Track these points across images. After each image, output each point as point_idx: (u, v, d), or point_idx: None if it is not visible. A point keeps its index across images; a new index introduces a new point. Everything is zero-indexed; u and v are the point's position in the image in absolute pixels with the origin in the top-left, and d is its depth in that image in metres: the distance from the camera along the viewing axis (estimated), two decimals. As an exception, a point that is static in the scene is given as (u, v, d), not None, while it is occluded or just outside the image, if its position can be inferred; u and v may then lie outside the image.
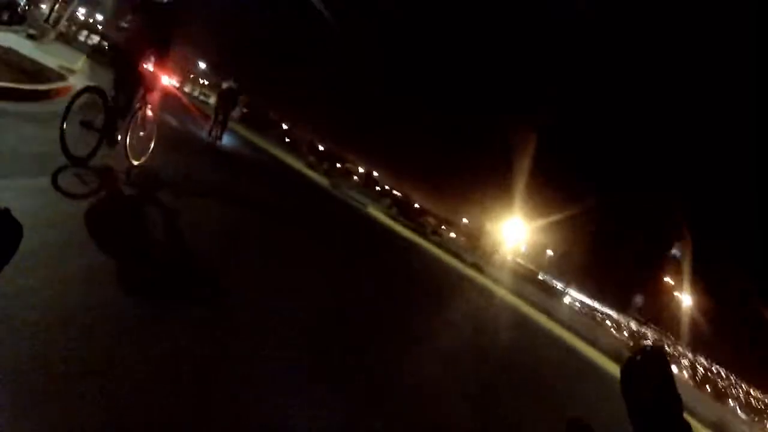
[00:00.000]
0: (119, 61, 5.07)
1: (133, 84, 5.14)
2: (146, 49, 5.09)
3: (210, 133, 13.96)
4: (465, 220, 71.43)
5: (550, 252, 60.57)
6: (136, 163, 5.46)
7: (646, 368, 0.87)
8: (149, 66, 5.24)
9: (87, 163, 4.61)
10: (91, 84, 4.91)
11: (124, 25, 5.07)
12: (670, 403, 0.85)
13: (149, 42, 5.09)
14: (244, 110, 37.93)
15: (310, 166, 30.65)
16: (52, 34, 15.52)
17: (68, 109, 4.37)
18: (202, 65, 59.58)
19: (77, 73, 9.85)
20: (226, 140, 14.68)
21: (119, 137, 5.17)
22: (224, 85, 14.24)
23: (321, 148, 63.61)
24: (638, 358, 0.88)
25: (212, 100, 30.83)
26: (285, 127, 64.53)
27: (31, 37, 12.59)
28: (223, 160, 11.80)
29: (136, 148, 5.46)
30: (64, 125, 4.30)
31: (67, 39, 18.84)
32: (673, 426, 0.83)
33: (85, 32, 27.57)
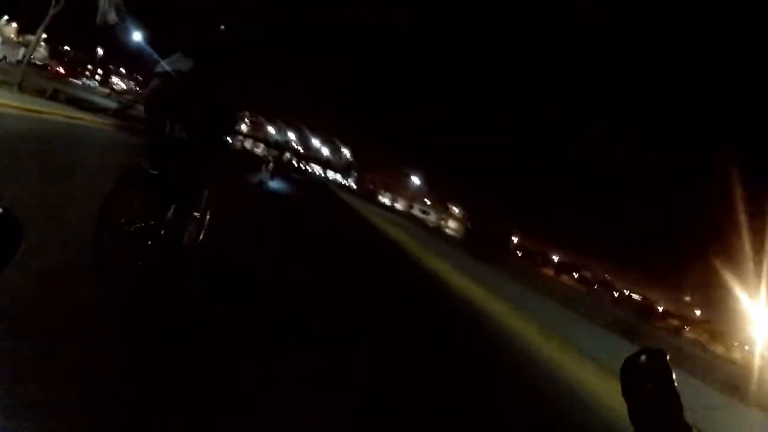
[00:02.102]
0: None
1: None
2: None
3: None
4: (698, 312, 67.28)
5: None
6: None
7: (647, 369, 0.88)
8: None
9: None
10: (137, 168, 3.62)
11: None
12: (671, 404, 0.85)
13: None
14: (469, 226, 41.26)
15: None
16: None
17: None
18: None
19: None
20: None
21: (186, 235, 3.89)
22: None
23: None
24: (638, 358, 0.88)
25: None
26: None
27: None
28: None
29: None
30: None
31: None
32: (673, 426, 0.84)
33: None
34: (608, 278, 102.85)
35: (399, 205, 71.21)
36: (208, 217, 4.28)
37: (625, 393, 0.88)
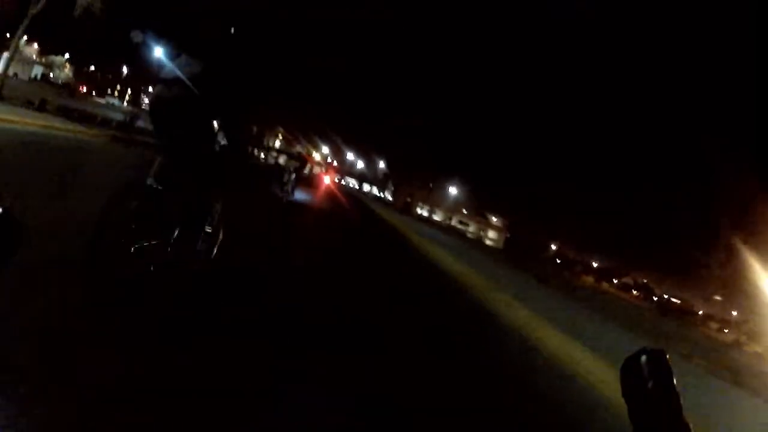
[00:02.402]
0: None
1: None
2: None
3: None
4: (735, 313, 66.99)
5: None
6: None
7: (647, 369, 0.88)
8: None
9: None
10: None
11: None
12: (671, 404, 0.86)
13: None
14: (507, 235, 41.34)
15: None
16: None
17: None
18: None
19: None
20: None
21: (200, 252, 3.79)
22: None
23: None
24: (638, 358, 0.89)
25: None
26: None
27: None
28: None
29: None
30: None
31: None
32: (673, 426, 0.84)
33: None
34: (645, 282, 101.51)
35: (437, 217, 69.71)
36: (221, 233, 4.04)
37: (625, 393, 0.89)
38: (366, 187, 76.49)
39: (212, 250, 4.00)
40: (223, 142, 3.68)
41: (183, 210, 3.46)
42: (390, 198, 72.41)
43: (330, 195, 31.61)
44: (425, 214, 68.07)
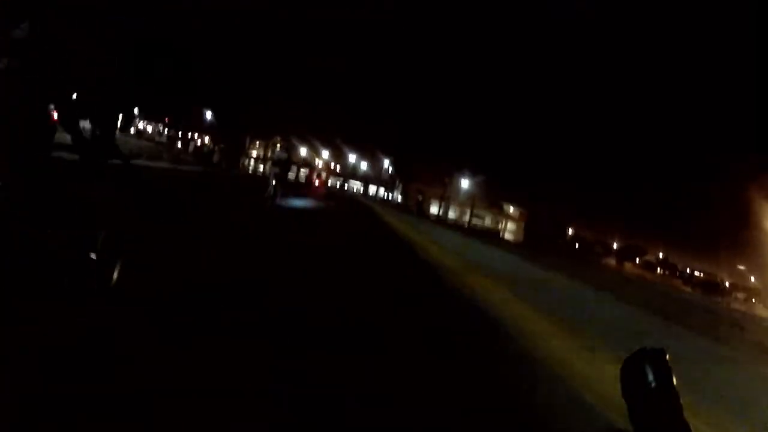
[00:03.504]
0: None
1: None
2: None
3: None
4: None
5: None
6: None
7: (646, 368, 0.86)
8: None
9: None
10: None
11: None
12: (670, 404, 0.84)
13: None
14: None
15: None
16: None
17: None
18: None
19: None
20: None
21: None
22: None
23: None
24: (638, 358, 0.88)
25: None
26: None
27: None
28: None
29: None
30: None
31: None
32: (673, 426, 0.83)
33: None
34: (665, 258, 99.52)
35: (452, 214, 65.72)
36: (119, 259, 3.72)
37: (625, 393, 0.88)
38: (372, 189, 72.47)
39: (108, 280, 3.62)
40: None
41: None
42: (399, 198, 68.45)
43: (321, 199, 29.14)
44: (438, 212, 64.15)
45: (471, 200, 60.21)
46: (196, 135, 58.92)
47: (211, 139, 54.74)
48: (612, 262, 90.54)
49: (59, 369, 2.58)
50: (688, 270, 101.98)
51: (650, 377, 0.85)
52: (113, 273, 3.67)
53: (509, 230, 69.75)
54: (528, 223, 69.57)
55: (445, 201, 60.80)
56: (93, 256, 3.51)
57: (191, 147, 51.38)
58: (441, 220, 54.98)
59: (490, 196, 65.18)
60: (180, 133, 57.14)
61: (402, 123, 56.10)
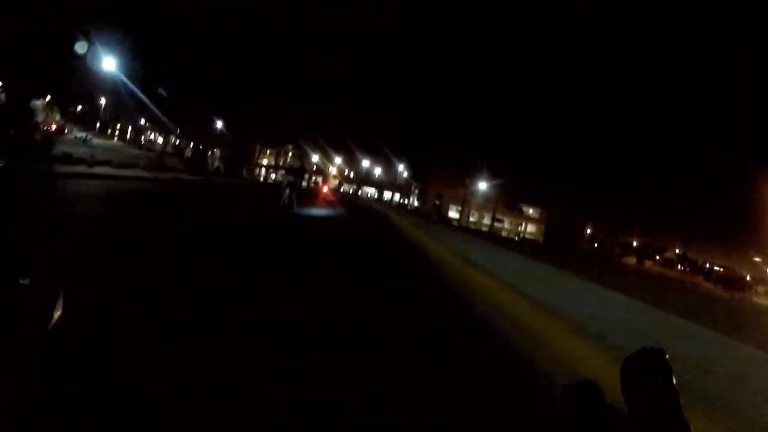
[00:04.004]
0: None
1: None
2: None
3: None
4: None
5: None
6: None
7: (646, 368, 0.87)
8: None
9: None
10: None
11: None
12: (670, 403, 0.84)
13: None
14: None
15: None
16: None
17: None
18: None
19: None
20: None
21: None
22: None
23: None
24: (638, 357, 0.88)
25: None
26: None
27: None
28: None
29: None
30: None
31: None
32: (673, 426, 0.83)
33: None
34: (683, 253, 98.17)
35: (472, 218, 63.91)
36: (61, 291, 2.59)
37: (625, 392, 0.88)
38: (387, 195, 70.73)
39: (48, 318, 2.42)
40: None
41: None
42: (416, 203, 66.65)
43: (335, 207, 27.26)
44: (455, 215, 62.32)
45: (492, 204, 58.46)
46: (204, 146, 57.76)
47: (210, 145, 53.27)
48: (632, 260, 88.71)
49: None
50: (707, 265, 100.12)
51: (650, 377, 0.84)
52: (56, 306, 2.46)
53: (529, 232, 67.89)
54: (549, 224, 67.74)
55: (465, 206, 58.50)
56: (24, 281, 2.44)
57: (188, 153, 49.60)
58: (462, 227, 52.97)
59: (509, 198, 63.47)
60: (191, 143, 55.95)
61: (416, 126, 54.64)
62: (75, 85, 29.44)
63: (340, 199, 42.04)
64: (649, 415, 0.83)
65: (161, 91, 32.29)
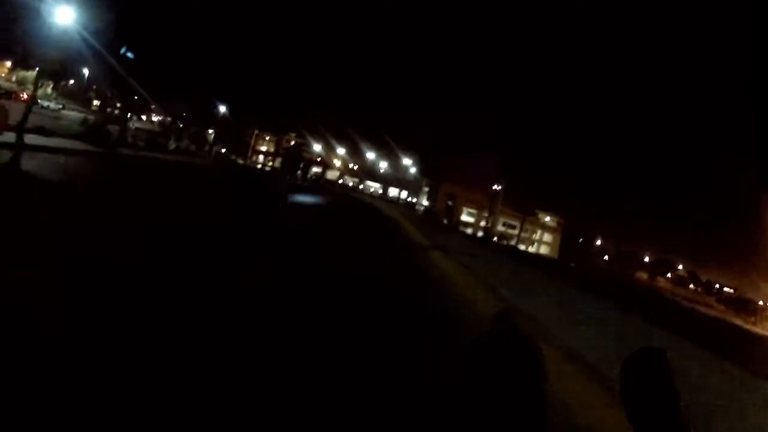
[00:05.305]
0: None
1: None
2: None
3: None
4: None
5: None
6: None
7: (646, 368, 0.86)
8: None
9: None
10: None
11: None
12: (670, 404, 0.84)
13: None
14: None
15: None
16: None
17: None
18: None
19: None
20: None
21: None
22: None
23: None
24: (638, 358, 0.87)
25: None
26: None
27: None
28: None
29: None
30: None
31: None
32: (672, 426, 0.83)
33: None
34: (694, 272, 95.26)
35: (483, 223, 58.89)
36: None
37: (625, 393, 0.86)
38: (393, 192, 65.43)
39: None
40: None
41: None
42: (425, 203, 61.18)
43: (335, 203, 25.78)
44: (468, 219, 57.34)
45: (503, 207, 53.56)
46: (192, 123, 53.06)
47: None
48: (644, 275, 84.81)
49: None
50: (717, 285, 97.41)
51: (650, 377, 0.84)
52: None
53: (545, 241, 63.24)
54: (564, 234, 63.21)
55: (493, 216, 51.93)
56: None
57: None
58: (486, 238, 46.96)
59: (524, 204, 58.74)
60: (182, 123, 51.23)
61: (430, 119, 50.23)
62: (37, 47, 25.30)
63: (342, 193, 37.40)
64: (649, 416, 0.80)
65: (127, 52, 28.24)
